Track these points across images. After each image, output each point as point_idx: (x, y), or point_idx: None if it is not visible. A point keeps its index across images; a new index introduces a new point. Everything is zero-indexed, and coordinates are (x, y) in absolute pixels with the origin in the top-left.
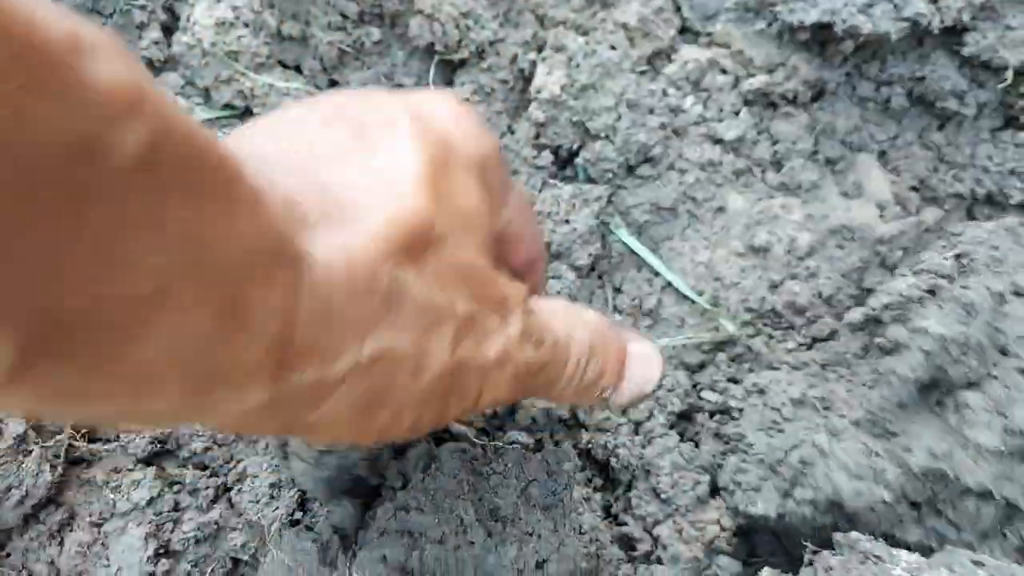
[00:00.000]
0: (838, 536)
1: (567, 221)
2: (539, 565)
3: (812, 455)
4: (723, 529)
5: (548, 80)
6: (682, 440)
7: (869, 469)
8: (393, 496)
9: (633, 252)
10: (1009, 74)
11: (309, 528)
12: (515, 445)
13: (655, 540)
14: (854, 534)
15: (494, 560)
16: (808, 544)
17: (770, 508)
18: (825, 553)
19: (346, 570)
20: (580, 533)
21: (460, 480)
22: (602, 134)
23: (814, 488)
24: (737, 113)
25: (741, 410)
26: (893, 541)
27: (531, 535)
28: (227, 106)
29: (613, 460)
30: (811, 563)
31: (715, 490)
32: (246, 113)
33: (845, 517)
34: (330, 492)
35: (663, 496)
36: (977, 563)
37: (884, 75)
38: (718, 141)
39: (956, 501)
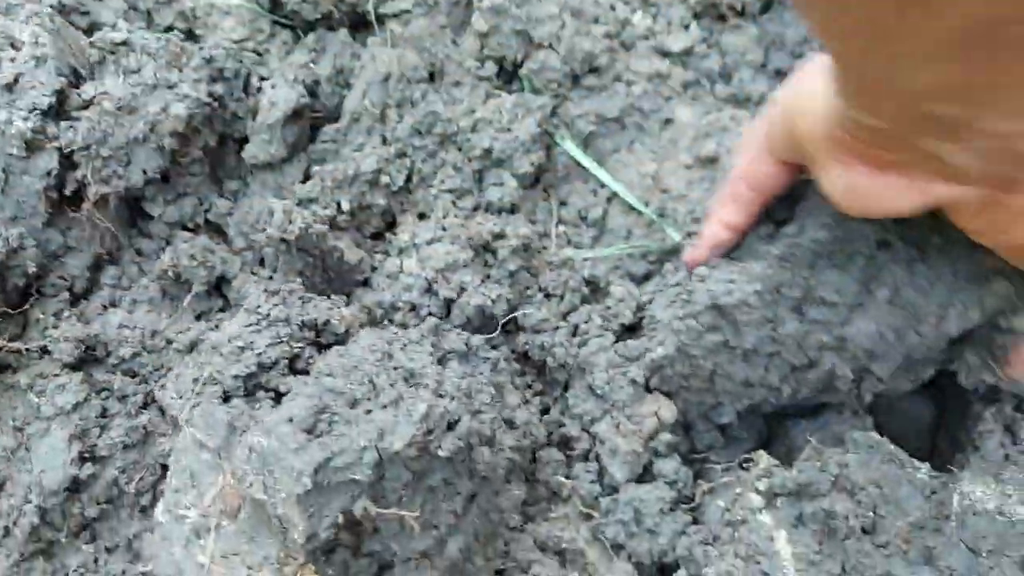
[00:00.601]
0: (856, 435)
1: (509, 130)
2: (451, 426)
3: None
4: (661, 422)
5: None
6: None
7: (740, 273)
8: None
9: (578, 163)
10: None
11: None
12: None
13: (593, 437)
14: (874, 434)
15: (403, 420)
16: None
17: (669, 347)
18: (834, 449)
19: (252, 434)
20: (512, 427)
21: (374, 349)
22: (546, 43)
23: (692, 302)
24: (686, 27)
25: None
26: None
27: (443, 396)
28: (169, 28)
29: (549, 359)
30: (813, 457)
31: (651, 385)
32: (189, 36)
33: (731, 325)
34: None
35: (599, 392)
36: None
37: None
38: (666, 54)
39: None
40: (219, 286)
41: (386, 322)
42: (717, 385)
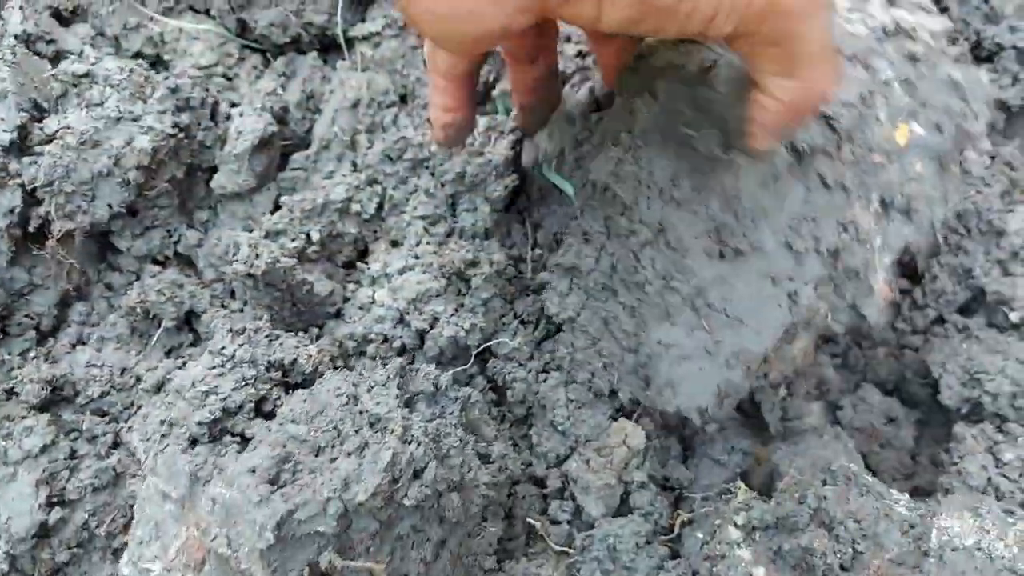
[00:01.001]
0: (834, 466)
1: (481, 153)
2: (417, 473)
3: None
4: (631, 449)
5: None
6: None
7: None
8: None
9: (554, 185)
10: None
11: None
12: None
13: (565, 476)
14: (853, 466)
15: (368, 469)
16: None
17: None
18: (815, 482)
19: (214, 485)
20: (488, 461)
21: (339, 393)
22: None
23: None
24: None
25: None
26: None
27: (409, 442)
28: (138, 54)
29: (509, 393)
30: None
31: (618, 411)
32: (158, 61)
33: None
34: None
35: (560, 429)
36: (974, 510)
37: None
38: None
39: None
40: (189, 320)
41: (358, 355)
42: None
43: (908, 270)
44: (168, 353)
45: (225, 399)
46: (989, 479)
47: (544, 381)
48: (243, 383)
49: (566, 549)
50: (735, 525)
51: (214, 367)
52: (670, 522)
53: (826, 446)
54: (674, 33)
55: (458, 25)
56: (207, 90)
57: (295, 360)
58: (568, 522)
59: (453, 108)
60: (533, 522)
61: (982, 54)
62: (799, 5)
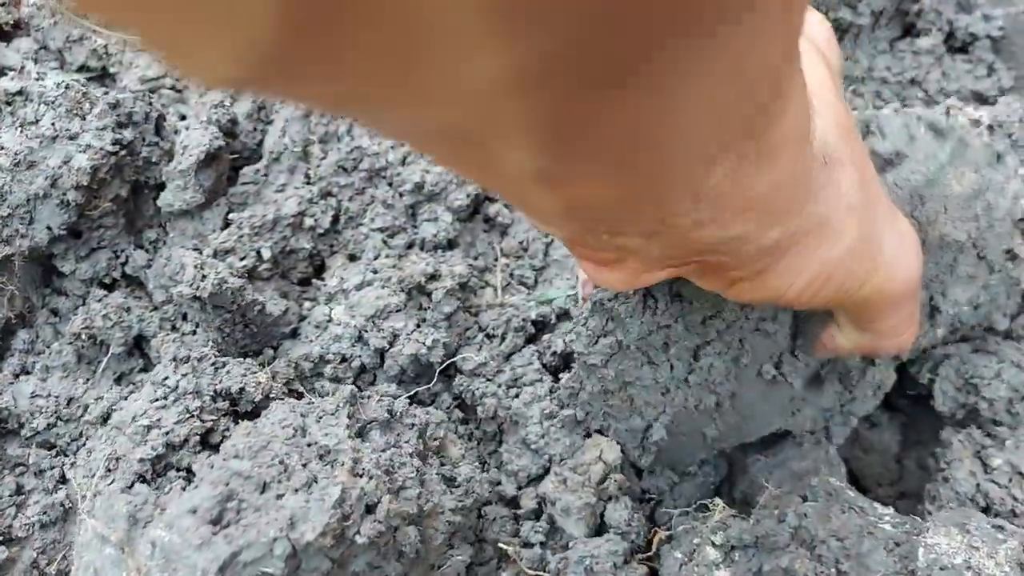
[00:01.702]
0: (814, 481)
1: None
2: (369, 509)
3: None
4: (608, 465)
5: None
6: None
7: None
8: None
9: None
10: None
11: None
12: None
13: (542, 499)
14: (834, 480)
15: (316, 507)
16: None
17: (575, 367)
18: (793, 496)
19: (154, 527)
20: (454, 485)
21: (285, 424)
22: None
23: (581, 311)
24: None
25: None
26: None
27: (360, 476)
28: (83, 67)
29: (480, 410)
30: (771, 505)
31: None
32: (103, 75)
33: (616, 321)
34: None
35: (534, 447)
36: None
37: None
38: None
39: None
40: (139, 345)
41: (315, 376)
42: (635, 398)
43: None
44: (118, 380)
45: (168, 433)
46: (978, 485)
47: (516, 396)
48: (187, 415)
49: (540, 573)
50: (713, 545)
51: (156, 399)
52: (647, 539)
53: (806, 455)
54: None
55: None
56: (151, 104)
57: (243, 388)
58: (542, 544)
59: None
60: (504, 547)
61: (956, 44)
62: (898, 296)
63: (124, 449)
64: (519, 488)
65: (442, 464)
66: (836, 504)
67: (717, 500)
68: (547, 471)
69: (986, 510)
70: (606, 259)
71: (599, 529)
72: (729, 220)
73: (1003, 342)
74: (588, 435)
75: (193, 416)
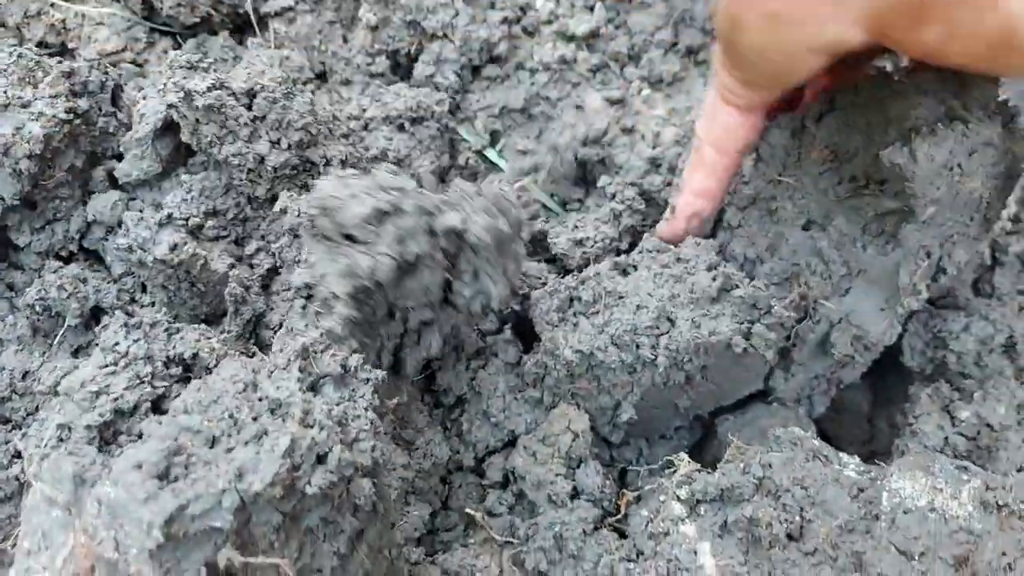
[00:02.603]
0: (779, 431)
1: (402, 128)
2: (320, 459)
3: None
4: (576, 434)
5: None
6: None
7: None
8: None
9: (485, 158)
10: None
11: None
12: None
13: (509, 471)
14: (798, 430)
15: (265, 457)
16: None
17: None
18: (757, 447)
19: (101, 485)
20: (412, 447)
21: (236, 379)
22: (440, 33)
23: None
24: (591, 8)
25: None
26: None
27: (311, 427)
28: (41, 43)
29: (440, 379)
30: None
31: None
32: (63, 50)
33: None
34: None
35: (494, 420)
36: (926, 469)
37: None
38: (571, 38)
39: None
40: (96, 316)
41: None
42: (601, 379)
43: None
44: (75, 353)
45: (117, 399)
46: (946, 438)
47: (483, 368)
48: (138, 381)
49: (509, 539)
50: (678, 499)
51: (105, 366)
52: (617, 503)
53: (774, 413)
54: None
55: (790, 32)
56: (107, 73)
57: (196, 354)
58: (510, 509)
59: (713, 192)
60: (471, 512)
61: None
62: None
63: (72, 416)
64: (478, 459)
65: (403, 427)
66: (800, 453)
67: (682, 455)
68: (510, 443)
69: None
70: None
71: (571, 495)
72: None
73: (973, 296)
74: (554, 406)
75: (144, 382)
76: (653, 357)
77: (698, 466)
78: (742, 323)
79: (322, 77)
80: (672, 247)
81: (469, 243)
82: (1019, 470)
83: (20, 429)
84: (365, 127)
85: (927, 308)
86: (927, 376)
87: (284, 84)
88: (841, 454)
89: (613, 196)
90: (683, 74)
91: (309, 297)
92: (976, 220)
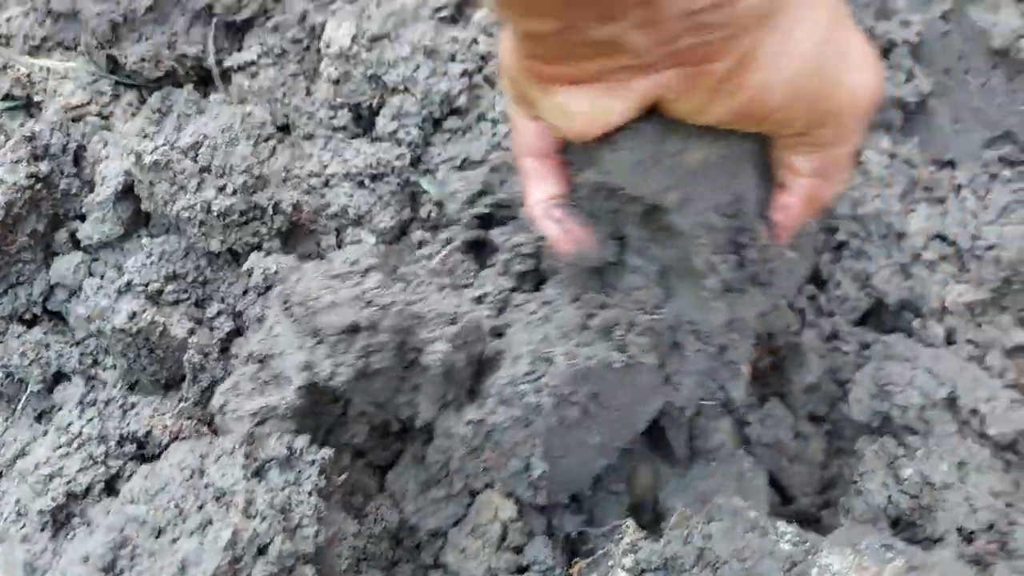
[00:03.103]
0: (720, 500)
1: (362, 184)
2: (261, 550)
3: None
4: (505, 521)
5: (337, 33)
6: None
7: None
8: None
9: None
10: None
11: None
12: None
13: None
14: (737, 500)
15: (208, 549)
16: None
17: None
18: (698, 517)
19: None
20: (363, 515)
21: (183, 466)
22: (401, 87)
23: None
24: None
25: None
26: None
27: (253, 517)
28: (7, 96)
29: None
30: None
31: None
32: (28, 104)
33: None
34: None
35: (411, 524)
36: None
37: None
38: None
39: None
40: (59, 381)
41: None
42: (501, 443)
43: (813, 274)
44: (39, 418)
45: (70, 482)
46: (889, 496)
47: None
48: (91, 462)
49: None
50: (623, 569)
51: (60, 447)
52: (568, 572)
53: (713, 472)
54: (756, 129)
55: (591, 120)
56: (69, 135)
57: (149, 431)
58: None
59: (560, 195)
60: None
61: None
62: (867, 104)
63: (27, 498)
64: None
65: (352, 495)
66: (740, 524)
67: (629, 522)
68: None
69: (897, 521)
70: (586, 72)
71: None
72: None
73: (918, 346)
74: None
75: (97, 462)
76: (538, 401)
77: (643, 534)
78: (613, 339)
79: (285, 130)
80: (536, 292)
81: (420, 362)
82: (959, 530)
83: None
84: (326, 184)
85: (872, 358)
86: (875, 429)
87: (226, 132)
88: (780, 523)
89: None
90: None
91: (262, 362)
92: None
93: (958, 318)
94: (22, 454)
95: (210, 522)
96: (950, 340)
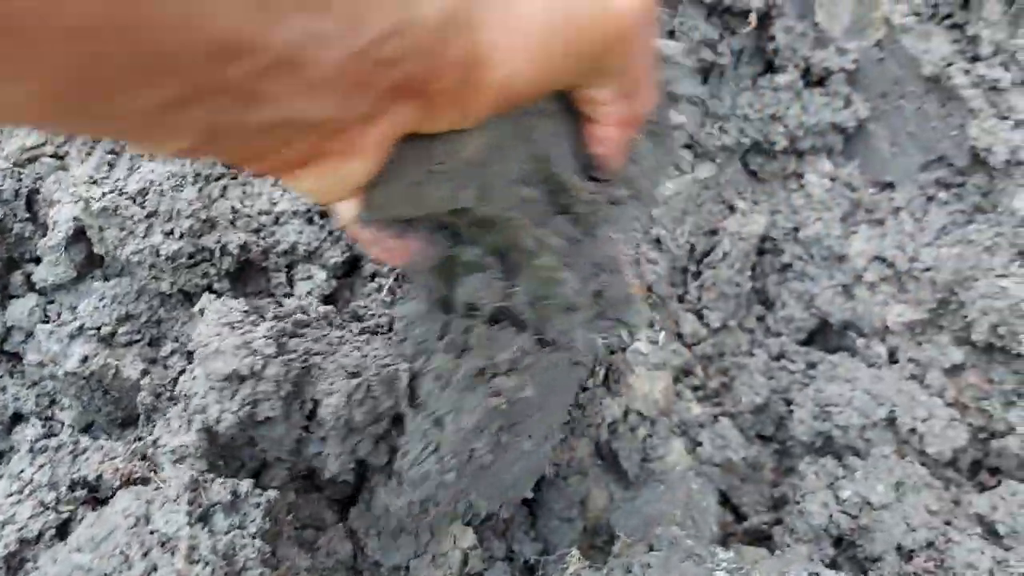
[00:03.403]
0: (659, 530)
1: (311, 220)
2: None
3: None
4: (465, 550)
5: None
6: None
7: None
8: None
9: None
10: (753, 18)
11: None
12: None
13: None
14: (675, 529)
15: None
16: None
17: None
18: (639, 547)
19: None
20: (315, 548)
21: (128, 513)
22: None
23: None
24: None
25: None
26: None
27: (196, 563)
28: None
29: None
30: (624, 553)
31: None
32: None
33: None
34: None
35: (373, 560)
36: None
37: None
38: None
39: None
40: (17, 422)
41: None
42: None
43: (760, 296)
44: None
45: (22, 528)
46: (830, 516)
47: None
48: (42, 508)
49: None
50: None
51: (11, 494)
52: None
53: (660, 497)
54: (528, 104)
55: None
56: (20, 180)
57: (100, 476)
58: None
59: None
60: None
61: (812, 79)
62: (640, 25)
63: None
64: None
65: (304, 528)
66: (677, 553)
67: (574, 551)
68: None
69: (839, 541)
70: (296, 158)
71: None
72: None
73: (860, 366)
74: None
75: (49, 509)
76: (445, 473)
77: (586, 564)
78: (487, 385)
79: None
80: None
81: (318, 416)
82: (898, 549)
83: None
84: (276, 220)
85: (814, 380)
86: (818, 449)
87: (172, 178)
88: (717, 550)
89: None
90: None
91: (183, 401)
92: None
93: (899, 337)
94: None
95: (155, 568)
96: (893, 359)
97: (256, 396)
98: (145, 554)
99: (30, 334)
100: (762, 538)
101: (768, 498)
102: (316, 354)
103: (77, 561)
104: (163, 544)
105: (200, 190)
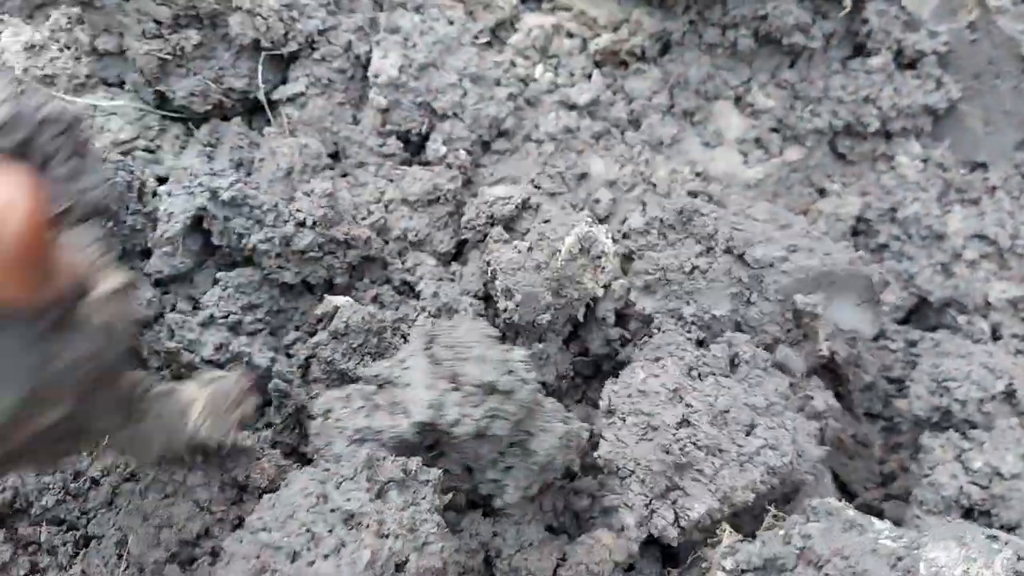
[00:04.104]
0: (815, 502)
1: (418, 208)
2: (399, 567)
3: None
4: (616, 560)
5: (384, 63)
6: None
7: None
8: None
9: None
10: (848, 1)
11: None
12: None
13: None
14: (832, 501)
15: (348, 571)
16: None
17: None
18: (795, 518)
19: None
20: (458, 529)
21: (307, 493)
22: (450, 112)
23: None
24: (589, 76)
25: None
26: None
27: (386, 536)
28: None
29: None
30: (774, 527)
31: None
32: None
33: None
34: None
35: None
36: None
37: (727, 18)
38: (572, 107)
39: None
40: None
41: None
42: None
43: None
44: None
45: (180, 530)
46: (961, 488)
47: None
48: (197, 510)
49: None
50: (724, 571)
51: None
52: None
53: None
54: None
55: None
56: (131, 172)
57: (248, 475)
58: None
59: None
60: None
61: (904, 61)
62: None
63: (139, 550)
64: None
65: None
66: (837, 523)
67: (724, 524)
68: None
69: (969, 511)
70: None
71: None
72: None
73: (968, 342)
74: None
75: (203, 510)
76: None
77: (740, 536)
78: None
79: (335, 157)
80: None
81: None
82: None
83: (76, 530)
84: (386, 209)
85: (929, 354)
86: (935, 424)
87: (300, 169)
88: (874, 520)
89: None
90: (680, 135)
91: (382, 386)
92: None
93: (1002, 314)
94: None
95: (343, 544)
96: (996, 335)
97: (498, 412)
98: (331, 530)
99: (146, 324)
100: (874, 514)
101: (877, 475)
102: None
103: (265, 540)
104: (346, 521)
105: (316, 178)
